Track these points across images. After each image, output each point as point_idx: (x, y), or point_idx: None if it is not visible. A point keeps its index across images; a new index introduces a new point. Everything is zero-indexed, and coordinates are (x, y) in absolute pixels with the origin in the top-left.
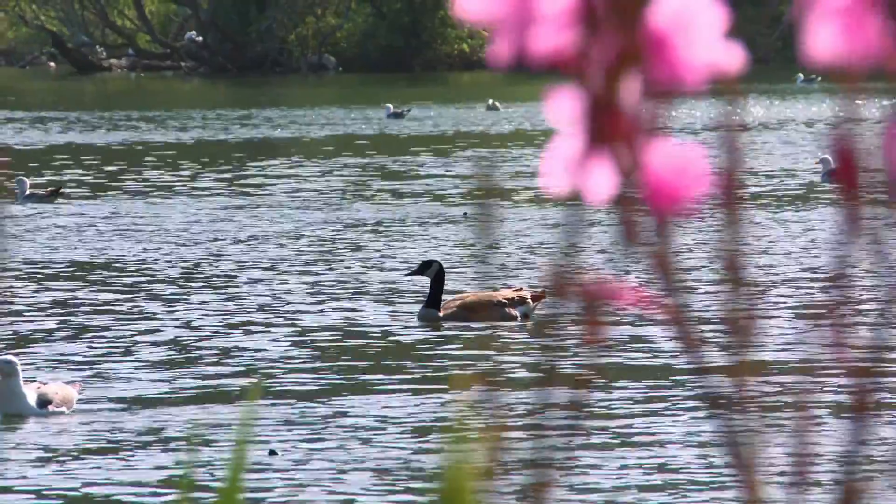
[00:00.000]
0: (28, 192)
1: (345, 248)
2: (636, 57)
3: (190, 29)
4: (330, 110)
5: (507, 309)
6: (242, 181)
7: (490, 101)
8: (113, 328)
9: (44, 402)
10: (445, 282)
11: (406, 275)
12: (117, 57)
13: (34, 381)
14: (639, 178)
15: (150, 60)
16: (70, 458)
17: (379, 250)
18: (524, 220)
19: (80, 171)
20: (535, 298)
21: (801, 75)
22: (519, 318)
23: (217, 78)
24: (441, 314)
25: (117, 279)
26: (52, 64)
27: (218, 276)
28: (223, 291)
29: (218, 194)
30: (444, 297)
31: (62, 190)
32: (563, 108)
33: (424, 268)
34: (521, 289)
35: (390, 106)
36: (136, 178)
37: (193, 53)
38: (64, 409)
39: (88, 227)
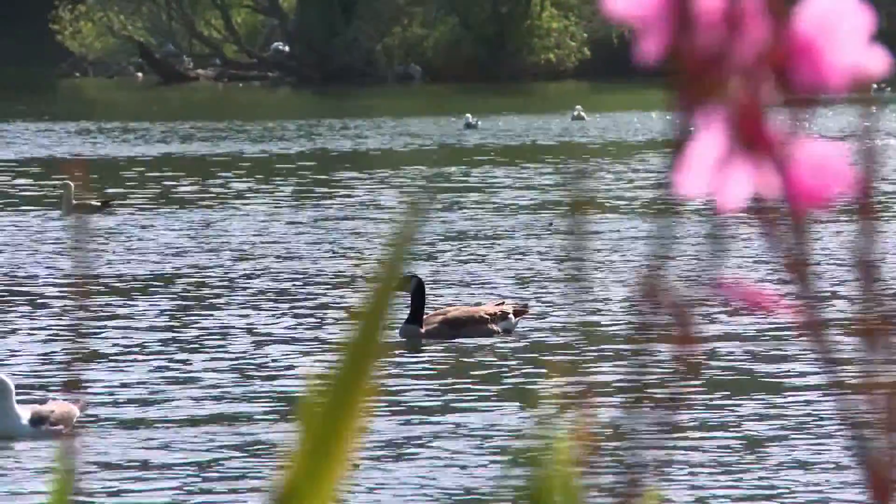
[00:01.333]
0: (76, 203)
1: (421, 262)
2: (781, 60)
3: (276, 39)
4: (413, 120)
5: (489, 325)
6: (323, 192)
7: (576, 112)
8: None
9: (38, 420)
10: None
11: None
12: (204, 67)
13: (49, 399)
14: (778, 182)
15: (237, 70)
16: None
17: (464, 262)
18: (613, 231)
19: (155, 182)
20: (518, 313)
21: None
22: (501, 334)
23: (303, 88)
24: (423, 330)
25: (183, 292)
26: (140, 74)
27: (289, 290)
28: (294, 306)
29: (297, 205)
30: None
31: (111, 202)
32: (700, 111)
33: (404, 283)
34: (503, 303)
35: (469, 116)
36: (211, 189)
37: (280, 63)
38: (61, 427)
39: (147, 239)
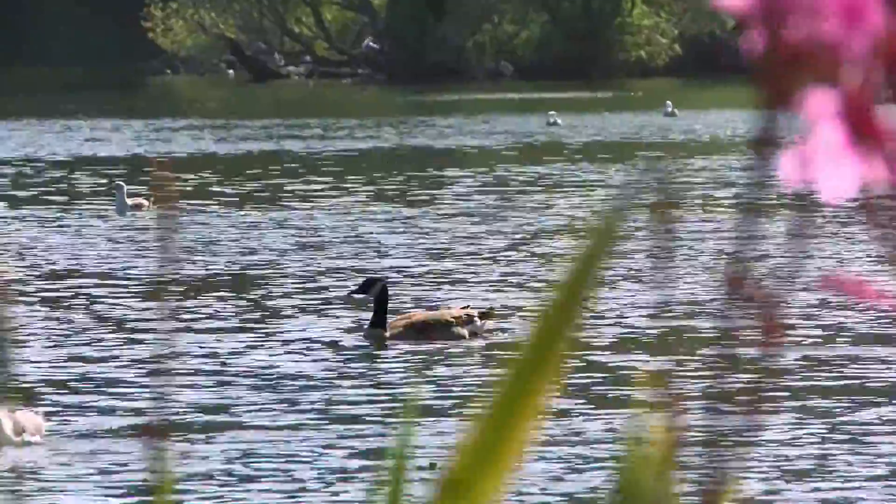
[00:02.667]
0: (132, 203)
1: (494, 263)
2: (892, 51)
3: (367, 36)
4: (501, 118)
5: (455, 328)
6: (413, 190)
7: (668, 108)
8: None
9: (20, 430)
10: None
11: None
12: (295, 64)
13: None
14: (887, 175)
15: (327, 68)
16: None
17: (545, 260)
18: (698, 230)
19: (237, 180)
20: (484, 317)
21: None
22: (467, 337)
23: (393, 85)
24: (387, 334)
25: (270, 291)
26: (231, 71)
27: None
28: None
29: (387, 202)
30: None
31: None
32: (813, 105)
33: (368, 286)
34: (468, 307)
35: (552, 114)
36: (300, 187)
37: (370, 61)
38: (37, 437)
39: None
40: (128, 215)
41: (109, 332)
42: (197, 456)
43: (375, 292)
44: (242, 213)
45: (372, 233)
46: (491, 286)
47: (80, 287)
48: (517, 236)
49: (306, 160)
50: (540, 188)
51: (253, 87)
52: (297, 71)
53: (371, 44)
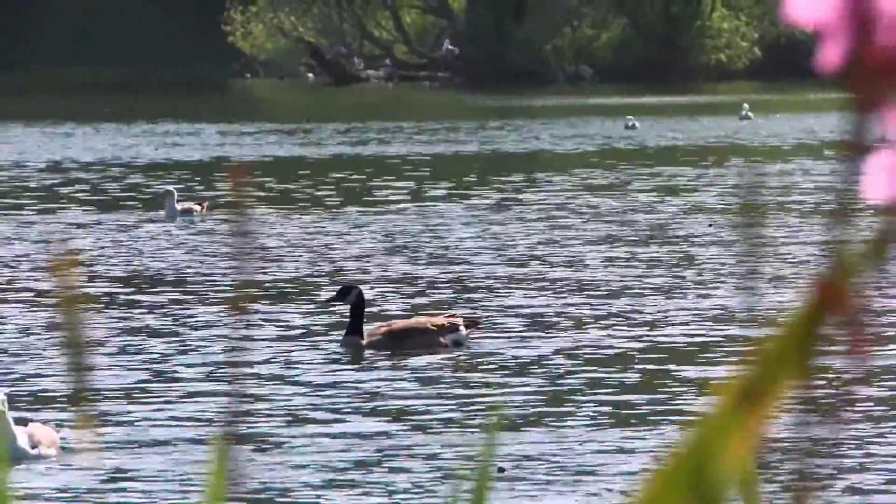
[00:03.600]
0: (181, 208)
1: (569, 267)
2: None
3: (446, 40)
4: (579, 121)
5: (437, 336)
6: (494, 193)
7: (744, 112)
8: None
9: (35, 443)
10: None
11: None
12: (374, 68)
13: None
14: None
15: (407, 71)
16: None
17: (624, 264)
18: (779, 234)
19: (316, 183)
20: (469, 325)
21: None
22: (450, 347)
23: (473, 88)
24: (364, 342)
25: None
26: (311, 75)
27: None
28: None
29: (467, 205)
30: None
31: (221, 203)
32: (887, 114)
33: (344, 294)
34: (453, 315)
35: (629, 118)
36: (371, 191)
37: (449, 64)
38: (53, 451)
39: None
40: (178, 220)
41: (165, 338)
42: (285, 465)
43: (352, 300)
44: (321, 216)
45: (451, 236)
46: (567, 291)
47: (155, 292)
48: (594, 241)
49: (386, 164)
50: (618, 192)
51: (332, 90)
52: (376, 74)
53: (450, 47)
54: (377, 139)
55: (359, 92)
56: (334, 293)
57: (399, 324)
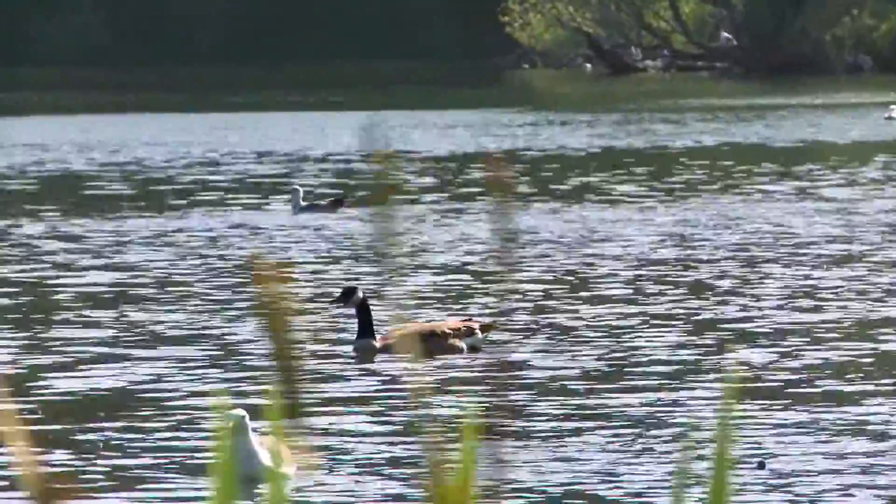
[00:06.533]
0: (304, 203)
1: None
2: None
3: (724, 30)
4: (850, 112)
5: (452, 340)
6: (768, 184)
7: None
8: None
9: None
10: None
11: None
12: (652, 58)
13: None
14: None
15: (685, 61)
16: None
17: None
18: None
19: (601, 172)
20: (485, 329)
21: None
22: (465, 351)
23: (750, 79)
24: (379, 345)
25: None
26: (588, 66)
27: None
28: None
29: (735, 197)
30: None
31: (345, 199)
32: None
33: (346, 296)
34: (469, 319)
35: (893, 108)
36: (666, 181)
37: (727, 54)
38: (292, 468)
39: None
40: (302, 216)
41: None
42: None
43: (355, 302)
44: (594, 208)
45: (729, 227)
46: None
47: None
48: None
49: (661, 155)
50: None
51: (608, 81)
52: (654, 65)
53: (727, 36)
54: (656, 129)
55: (635, 83)
56: (337, 296)
57: (415, 327)
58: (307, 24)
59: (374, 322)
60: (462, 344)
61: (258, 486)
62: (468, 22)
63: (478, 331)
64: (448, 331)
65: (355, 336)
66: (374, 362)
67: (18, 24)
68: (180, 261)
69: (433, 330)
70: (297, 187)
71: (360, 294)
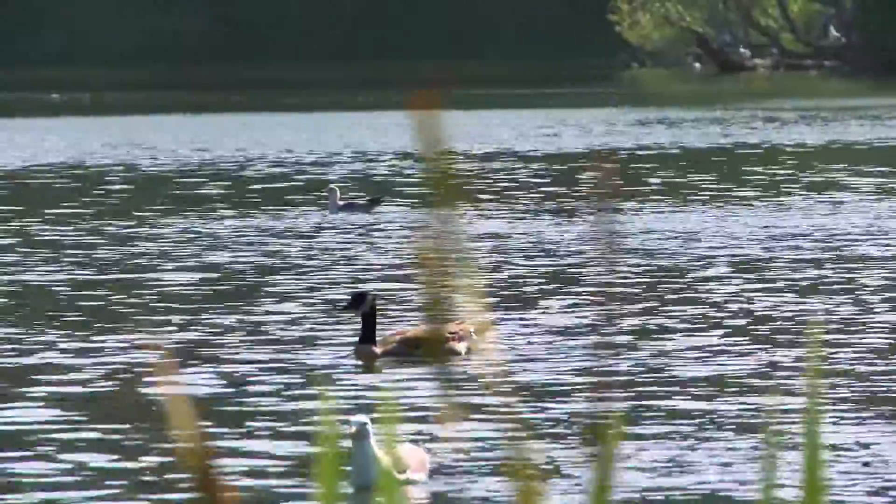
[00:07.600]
0: (343, 203)
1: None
2: None
3: (833, 28)
4: None
5: (450, 343)
6: (879, 185)
7: None
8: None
9: (402, 468)
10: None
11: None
12: (761, 56)
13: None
14: None
15: (793, 59)
16: None
17: None
18: None
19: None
20: (478, 331)
21: None
22: (463, 354)
23: (859, 77)
24: (378, 350)
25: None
26: (697, 64)
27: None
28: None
29: (848, 198)
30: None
31: (382, 199)
32: None
33: (358, 302)
34: (463, 322)
35: None
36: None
37: (836, 52)
38: (422, 475)
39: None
40: (339, 215)
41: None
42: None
43: (366, 308)
44: (693, 208)
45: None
46: None
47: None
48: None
49: (780, 153)
50: None
51: (716, 80)
52: (762, 63)
53: (836, 34)
54: (755, 129)
55: (743, 81)
56: (347, 301)
57: (413, 331)
58: (427, 24)
59: (378, 327)
60: (459, 347)
61: (377, 494)
62: (577, 22)
63: (473, 334)
64: (447, 334)
65: (357, 340)
66: (374, 368)
67: (128, 21)
68: (267, 258)
69: (429, 333)
70: (334, 187)
71: (371, 300)
